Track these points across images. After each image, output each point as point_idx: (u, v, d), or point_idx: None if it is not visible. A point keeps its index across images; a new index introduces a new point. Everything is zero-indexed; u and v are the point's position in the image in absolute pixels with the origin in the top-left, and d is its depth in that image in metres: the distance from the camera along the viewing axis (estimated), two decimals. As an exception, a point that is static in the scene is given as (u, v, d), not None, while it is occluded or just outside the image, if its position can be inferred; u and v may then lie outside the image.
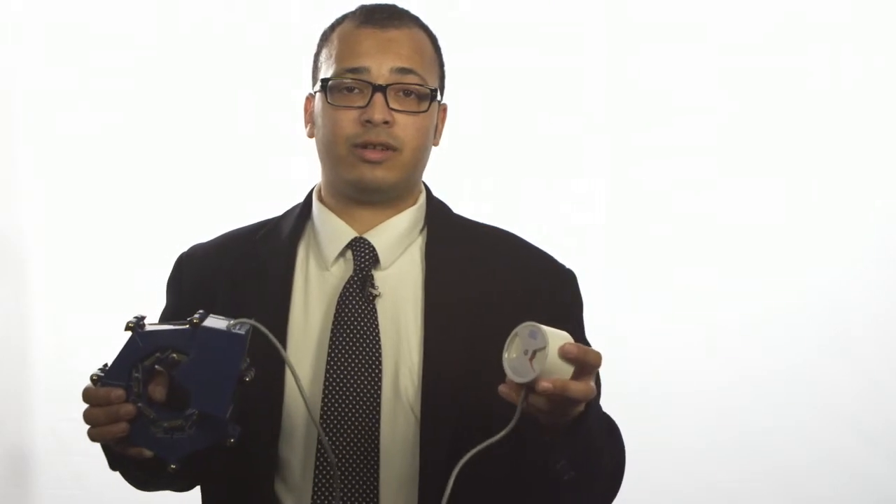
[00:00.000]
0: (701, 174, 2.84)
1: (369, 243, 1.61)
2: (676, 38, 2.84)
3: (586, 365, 1.35)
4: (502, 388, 1.37)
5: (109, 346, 1.42)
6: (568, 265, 1.66)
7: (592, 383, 1.37)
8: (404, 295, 1.59)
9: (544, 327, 1.34)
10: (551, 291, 1.61)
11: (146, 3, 2.91)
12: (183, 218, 2.85)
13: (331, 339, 1.56)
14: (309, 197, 1.69)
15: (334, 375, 1.54)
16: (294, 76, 2.55)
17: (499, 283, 1.59)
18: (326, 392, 1.54)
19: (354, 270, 1.59)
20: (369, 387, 1.53)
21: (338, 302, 1.57)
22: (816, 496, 2.80)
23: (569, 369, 1.34)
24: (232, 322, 1.36)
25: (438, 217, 1.66)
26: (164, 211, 2.87)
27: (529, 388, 1.33)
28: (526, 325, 1.35)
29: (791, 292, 2.84)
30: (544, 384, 1.32)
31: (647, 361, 2.75)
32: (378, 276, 1.59)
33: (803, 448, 2.80)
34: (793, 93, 2.82)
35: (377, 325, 1.56)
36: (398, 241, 1.62)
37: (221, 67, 2.87)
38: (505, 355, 1.36)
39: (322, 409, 1.53)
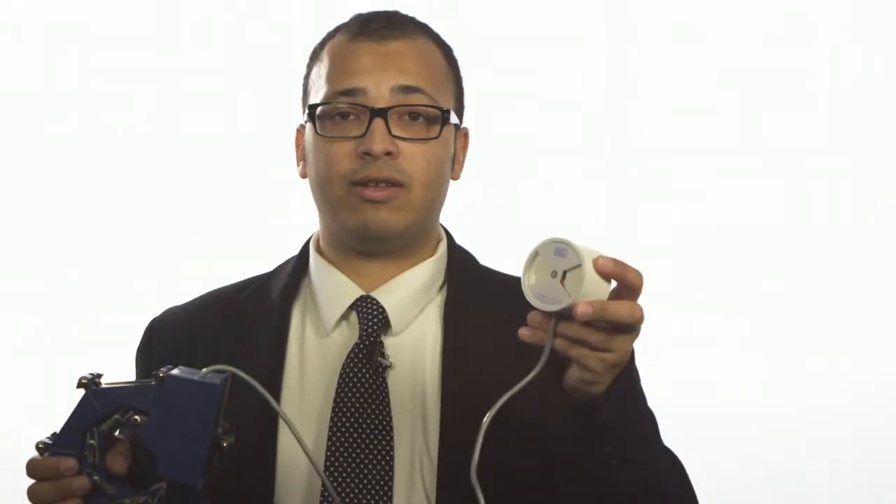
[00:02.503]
0: (701, 174, 2.83)
1: (378, 303, 1.31)
2: (676, 38, 2.84)
3: (624, 283, 1.09)
4: (524, 331, 1.10)
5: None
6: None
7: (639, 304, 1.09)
8: (420, 366, 1.30)
9: (574, 241, 1.09)
10: None
11: (146, 4, 2.91)
12: (183, 218, 2.85)
13: (332, 419, 1.27)
14: (305, 249, 1.40)
15: (336, 463, 1.26)
16: (294, 76, 2.56)
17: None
18: (328, 482, 1.24)
19: (360, 337, 1.30)
20: (378, 475, 1.25)
21: (340, 375, 1.28)
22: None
23: (605, 290, 1.09)
24: (205, 371, 1.10)
25: (461, 270, 1.37)
26: (162, 211, 2.87)
27: (560, 317, 1.09)
28: (549, 242, 1.10)
29: (791, 292, 2.83)
30: (582, 308, 1.05)
31: (647, 360, 2.74)
32: (389, 343, 1.31)
33: (805, 446, 2.80)
34: (793, 93, 2.83)
35: (388, 403, 1.28)
36: (413, 300, 1.33)
37: (221, 67, 2.88)
38: (525, 281, 1.10)
39: (322, 502, 1.25)
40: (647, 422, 1.23)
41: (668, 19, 2.79)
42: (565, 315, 1.08)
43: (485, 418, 1.11)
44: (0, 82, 2.86)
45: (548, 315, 1.09)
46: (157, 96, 2.82)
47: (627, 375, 1.14)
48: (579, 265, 1.08)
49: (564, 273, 1.09)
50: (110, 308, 2.72)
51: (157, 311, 1.47)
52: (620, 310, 1.08)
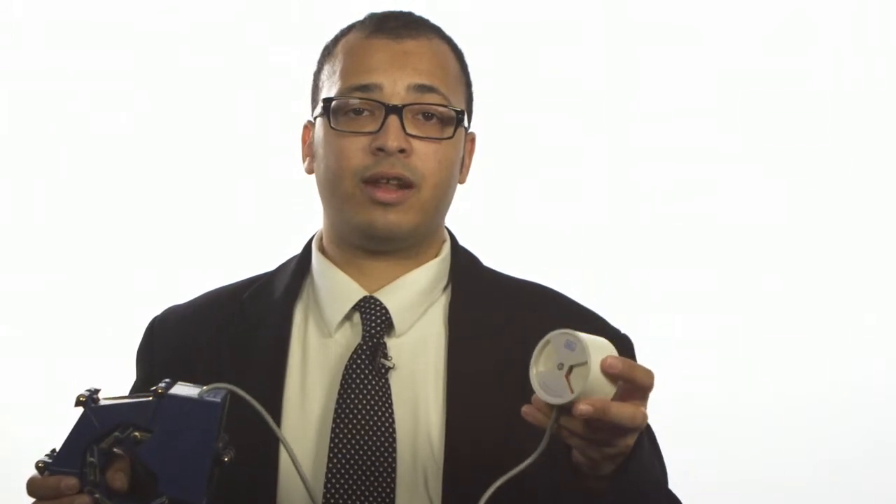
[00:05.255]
0: (701, 176, 2.83)
1: (381, 304, 1.30)
2: (677, 39, 2.83)
3: (633, 384, 1.07)
4: (527, 410, 1.08)
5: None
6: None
7: (644, 409, 1.08)
8: (424, 367, 1.29)
9: (583, 336, 1.08)
10: None
11: (146, 4, 2.91)
12: (183, 218, 2.85)
13: (334, 420, 1.26)
14: (307, 248, 1.39)
15: (339, 465, 1.24)
16: (294, 76, 2.56)
17: None
18: (330, 485, 1.24)
19: (363, 337, 1.29)
20: (381, 477, 1.24)
21: (343, 376, 1.27)
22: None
23: (611, 390, 1.07)
24: (204, 388, 1.09)
25: (465, 271, 1.36)
26: (163, 210, 2.87)
27: (563, 408, 1.08)
28: (561, 333, 1.09)
29: (792, 292, 2.83)
30: (583, 407, 1.03)
31: (645, 363, 2.73)
32: (392, 343, 1.29)
33: (805, 447, 2.80)
34: (794, 94, 2.83)
35: (391, 404, 1.26)
36: (417, 301, 1.32)
37: (221, 67, 2.88)
38: (533, 369, 1.09)
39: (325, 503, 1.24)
40: (652, 496, 1.20)
41: (669, 20, 2.78)
42: (567, 407, 1.07)
43: (482, 500, 1.10)
44: (1, 82, 2.86)
45: (550, 405, 1.09)
46: (157, 96, 2.82)
47: (635, 465, 1.11)
48: (585, 362, 1.07)
49: (571, 367, 1.08)
50: (111, 308, 2.72)
51: (157, 311, 1.46)
52: (622, 413, 1.06)
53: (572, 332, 1.08)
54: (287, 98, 2.54)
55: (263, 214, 2.76)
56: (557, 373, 1.08)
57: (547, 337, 1.10)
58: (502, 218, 2.75)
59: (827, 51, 2.79)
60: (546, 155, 2.79)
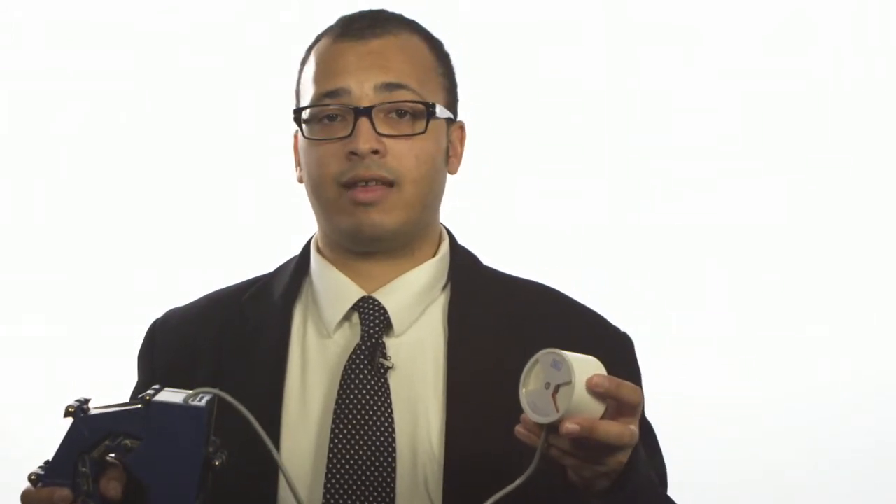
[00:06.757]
0: (701, 175, 2.83)
1: (380, 304, 1.30)
2: (677, 38, 2.84)
3: (620, 402, 1.07)
4: (519, 429, 1.09)
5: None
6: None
7: (634, 427, 1.08)
8: (423, 367, 1.29)
9: (569, 355, 1.08)
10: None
11: (146, 4, 2.91)
12: (183, 218, 2.85)
13: (334, 420, 1.26)
14: (306, 249, 1.39)
15: (338, 464, 1.25)
16: (294, 76, 2.55)
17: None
18: (329, 485, 1.24)
19: (362, 337, 1.29)
20: (381, 477, 1.24)
21: (342, 376, 1.27)
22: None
23: (598, 409, 1.08)
24: (189, 393, 1.08)
25: (464, 271, 1.35)
26: (163, 211, 2.87)
27: (552, 427, 1.08)
28: (548, 353, 1.09)
29: (792, 292, 2.83)
30: (568, 426, 1.04)
31: (646, 363, 2.73)
32: (391, 343, 1.29)
33: (804, 447, 2.80)
34: (794, 93, 2.83)
35: (390, 404, 1.26)
36: (415, 300, 1.31)
37: (221, 67, 2.88)
38: (522, 388, 1.10)
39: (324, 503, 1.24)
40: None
41: (669, 20, 2.79)
42: (555, 426, 1.08)
43: None
44: (1, 82, 2.86)
45: (539, 424, 1.09)
46: (157, 96, 2.82)
47: (631, 481, 1.12)
48: (570, 381, 1.07)
49: (557, 387, 1.09)
50: (111, 308, 2.72)
51: (157, 313, 1.46)
52: (609, 431, 1.07)
53: (558, 351, 1.09)
54: (287, 98, 2.54)
55: (263, 214, 2.76)
56: (545, 392, 1.09)
57: (535, 357, 1.10)
58: (502, 218, 2.74)
59: (827, 51, 2.79)
60: (546, 154, 2.79)
